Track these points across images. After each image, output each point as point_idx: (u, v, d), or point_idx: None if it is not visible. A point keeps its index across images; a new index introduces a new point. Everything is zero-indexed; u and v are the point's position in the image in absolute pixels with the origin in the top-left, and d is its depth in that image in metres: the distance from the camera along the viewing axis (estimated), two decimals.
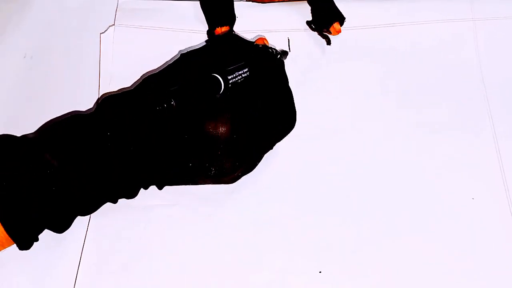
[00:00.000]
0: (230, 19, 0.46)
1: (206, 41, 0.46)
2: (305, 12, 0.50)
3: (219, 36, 0.45)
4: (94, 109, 0.42)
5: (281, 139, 0.42)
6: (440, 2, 0.50)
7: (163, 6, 0.50)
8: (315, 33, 0.49)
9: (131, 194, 0.37)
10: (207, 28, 0.47)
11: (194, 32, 0.49)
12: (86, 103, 0.46)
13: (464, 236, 0.41)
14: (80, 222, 0.39)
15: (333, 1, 0.48)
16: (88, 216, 0.40)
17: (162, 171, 0.37)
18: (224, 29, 0.45)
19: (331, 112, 0.46)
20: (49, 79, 0.47)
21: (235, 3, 0.48)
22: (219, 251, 0.40)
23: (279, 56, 0.42)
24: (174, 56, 0.47)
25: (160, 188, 0.39)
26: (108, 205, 0.37)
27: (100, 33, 0.49)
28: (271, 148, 0.42)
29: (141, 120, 0.35)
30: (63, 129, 0.35)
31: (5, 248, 0.34)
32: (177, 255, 0.40)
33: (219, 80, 0.37)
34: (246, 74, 0.39)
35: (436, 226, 0.41)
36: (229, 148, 0.38)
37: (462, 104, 0.47)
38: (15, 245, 0.35)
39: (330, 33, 0.48)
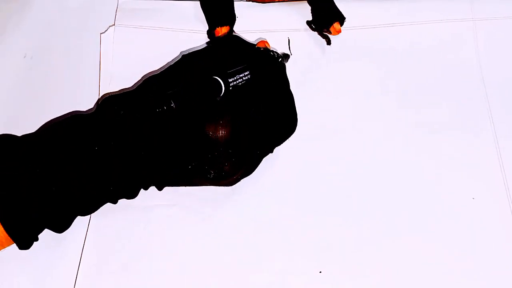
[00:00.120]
0: (230, 19, 0.46)
1: (207, 42, 0.46)
2: (305, 12, 0.50)
3: (220, 37, 0.45)
4: (94, 109, 0.42)
5: (282, 143, 0.42)
6: (440, 2, 0.50)
7: (163, 6, 0.50)
8: (315, 33, 0.49)
9: (131, 194, 0.37)
10: (207, 28, 0.47)
11: (194, 32, 0.49)
12: (86, 103, 0.46)
13: (464, 236, 0.41)
14: (80, 222, 0.39)
15: (333, 1, 0.48)
16: (88, 216, 0.40)
17: (162, 172, 0.37)
18: (224, 29, 0.45)
19: (331, 112, 0.46)
20: (49, 79, 0.47)
21: (235, 3, 0.48)
22: (219, 251, 0.40)
23: (280, 59, 0.41)
24: (176, 57, 0.47)
25: (159, 189, 0.39)
26: (108, 205, 0.37)
27: (100, 33, 0.49)
28: (271, 152, 0.42)
29: (141, 121, 0.35)
30: (64, 129, 0.35)
31: (4, 247, 0.34)
32: (177, 255, 0.40)
33: (220, 83, 0.37)
34: (247, 77, 0.39)
35: (436, 226, 0.41)
36: (229, 151, 0.38)
37: (462, 104, 0.47)
38: (15, 245, 0.35)
39: (330, 33, 0.48)
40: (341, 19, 0.48)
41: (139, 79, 0.46)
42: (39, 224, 0.34)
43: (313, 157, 0.44)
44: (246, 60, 0.40)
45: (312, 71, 0.48)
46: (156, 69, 0.46)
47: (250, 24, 0.49)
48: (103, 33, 0.49)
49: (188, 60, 0.40)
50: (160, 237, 0.40)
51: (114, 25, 0.49)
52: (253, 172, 0.41)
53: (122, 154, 0.35)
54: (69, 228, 0.37)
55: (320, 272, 0.39)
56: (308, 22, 0.49)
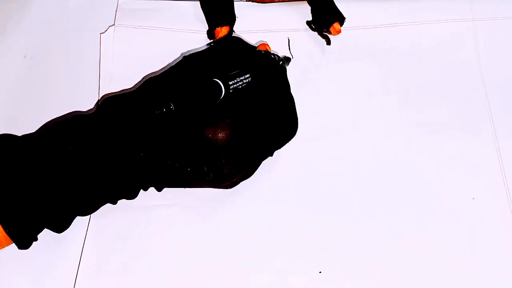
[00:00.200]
0: (230, 19, 0.46)
1: (209, 43, 0.46)
2: (305, 12, 0.50)
3: (222, 39, 0.45)
4: (94, 109, 0.42)
5: (282, 147, 0.42)
6: (440, 2, 0.50)
7: (163, 6, 0.50)
8: (315, 33, 0.49)
9: (131, 195, 0.37)
10: (207, 28, 0.47)
11: (194, 32, 0.49)
12: (86, 103, 0.46)
13: (464, 236, 0.41)
14: (80, 222, 0.39)
15: (333, 1, 0.48)
16: (88, 216, 0.40)
17: (161, 173, 0.37)
18: (224, 29, 0.45)
19: (331, 112, 0.46)
20: (49, 79, 0.47)
21: (235, 3, 0.48)
22: (219, 251, 0.40)
23: (281, 62, 0.41)
24: (177, 58, 0.47)
25: (159, 190, 0.39)
26: (108, 205, 0.37)
27: (100, 33, 0.49)
28: (271, 155, 0.41)
29: (141, 123, 0.35)
30: (64, 129, 0.35)
31: (4, 247, 0.34)
32: (177, 255, 0.40)
33: (220, 85, 0.37)
34: (248, 80, 0.39)
35: (436, 226, 0.41)
36: (228, 154, 0.37)
37: (462, 104, 0.47)
38: (14, 244, 0.35)
39: (330, 33, 0.48)
40: (341, 19, 0.48)
41: (138, 79, 0.46)
42: (38, 224, 0.34)
43: (313, 157, 0.44)
44: (247, 63, 0.40)
45: (312, 71, 0.48)
46: (156, 69, 0.46)
47: (250, 24, 0.49)
48: (103, 33, 0.49)
49: (188, 62, 0.40)
50: (160, 237, 0.40)
51: (114, 25, 0.49)
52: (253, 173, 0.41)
53: (122, 155, 0.35)
54: (69, 228, 0.37)
55: (320, 272, 0.39)
56: (308, 22, 0.49)
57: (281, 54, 0.45)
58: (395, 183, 0.43)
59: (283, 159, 0.43)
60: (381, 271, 0.39)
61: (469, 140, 0.45)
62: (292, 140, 0.43)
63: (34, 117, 0.43)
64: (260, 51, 0.42)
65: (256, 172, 0.41)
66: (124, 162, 0.35)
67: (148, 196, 0.40)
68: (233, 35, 0.47)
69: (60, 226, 0.36)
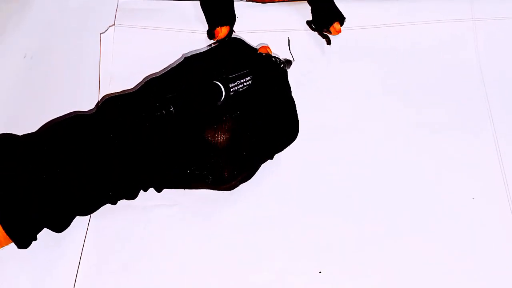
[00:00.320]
0: (230, 19, 0.46)
1: (210, 45, 0.46)
2: (305, 12, 0.50)
3: (224, 40, 0.45)
4: (95, 109, 0.42)
5: (282, 150, 0.42)
6: (440, 2, 0.50)
7: (163, 6, 0.50)
8: (315, 33, 0.49)
9: (131, 195, 0.37)
10: (207, 28, 0.47)
11: (194, 32, 0.49)
12: (86, 103, 0.46)
13: (464, 236, 0.41)
14: (80, 222, 0.39)
15: (333, 1, 0.48)
16: (88, 216, 0.40)
17: (161, 174, 0.37)
18: (224, 29, 0.45)
19: (331, 112, 0.46)
20: (49, 79, 0.47)
21: (235, 3, 0.48)
22: (219, 251, 0.40)
23: (282, 65, 0.41)
24: (178, 59, 0.47)
25: (158, 191, 0.39)
26: (108, 205, 0.37)
27: (100, 33, 0.49)
28: (271, 158, 0.41)
29: (140, 124, 0.35)
30: (64, 129, 0.35)
31: (3, 246, 0.34)
32: (177, 255, 0.40)
33: (220, 88, 0.37)
34: (248, 83, 0.39)
35: (436, 226, 0.41)
36: (228, 157, 0.37)
37: (462, 104, 0.47)
38: (14, 244, 0.35)
39: (330, 33, 0.48)
40: (341, 19, 0.48)
41: (139, 79, 0.46)
42: (38, 224, 0.34)
43: (313, 157, 0.44)
44: (248, 65, 0.40)
45: (312, 71, 0.48)
46: (156, 69, 0.46)
47: (250, 24, 0.49)
48: (103, 33, 0.49)
49: (189, 63, 0.40)
50: (160, 237, 0.40)
51: (114, 25, 0.49)
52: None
53: (122, 155, 0.35)
54: (69, 228, 0.37)
55: (320, 272, 0.39)
56: (308, 22, 0.49)
57: (282, 57, 0.45)
58: (395, 183, 0.43)
59: (283, 159, 0.43)
60: (381, 271, 0.39)
61: (469, 140, 0.45)
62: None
63: (34, 117, 0.43)
64: (261, 53, 0.41)
65: (256, 172, 0.41)
66: (124, 163, 0.35)
67: (148, 197, 0.40)
68: (233, 35, 0.47)
69: (59, 225, 0.36)
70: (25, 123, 0.42)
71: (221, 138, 0.37)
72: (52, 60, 0.48)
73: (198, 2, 0.48)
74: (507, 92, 0.47)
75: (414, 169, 0.44)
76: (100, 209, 0.37)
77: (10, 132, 0.37)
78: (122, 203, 0.38)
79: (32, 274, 0.39)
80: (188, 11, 0.50)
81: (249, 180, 0.41)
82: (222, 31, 0.46)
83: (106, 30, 0.49)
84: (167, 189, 0.40)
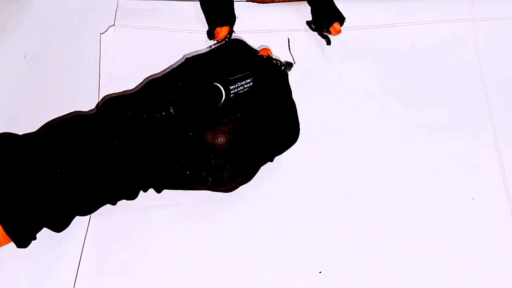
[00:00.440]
0: (230, 19, 0.46)
1: (211, 45, 0.46)
2: (305, 12, 0.50)
3: (225, 41, 0.45)
4: (95, 110, 0.42)
5: (282, 152, 0.42)
6: (440, 2, 0.50)
7: (163, 6, 0.50)
8: (315, 33, 0.49)
9: (131, 195, 0.37)
10: (207, 28, 0.47)
11: (194, 32, 0.49)
12: (86, 103, 0.46)
13: (464, 236, 0.41)
14: (80, 222, 0.39)
15: (333, 1, 0.48)
16: (88, 216, 0.40)
17: (160, 175, 0.37)
18: (224, 29, 0.45)
19: (331, 112, 0.46)
20: (49, 79, 0.47)
21: (235, 3, 0.48)
22: (219, 251, 0.40)
23: (283, 67, 0.41)
24: (179, 60, 0.47)
25: (158, 191, 0.39)
26: (108, 205, 0.37)
27: (100, 33, 0.49)
28: (271, 161, 0.41)
29: (140, 125, 0.35)
30: (64, 129, 0.35)
31: (2, 245, 0.34)
32: (177, 255, 0.40)
33: (220, 90, 0.36)
34: (249, 85, 0.39)
35: (436, 226, 0.41)
36: (228, 159, 0.37)
37: (462, 104, 0.47)
38: (13, 243, 0.35)
39: (330, 33, 0.48)
40: (341, 19, 0.48)
41: (139, 79, 0.46)
42: (38, 223, 0.34)
43: (313, 157, 0.44)
44: (249, 67, 0.39)
45: (312, 71, 0.48)
46: (156, 69, 0.46)
47: (250, 24, 0.49)
48: (103, 33, 0.49)
49: (190, 64, 0.40)
50: (160, 237, 0.40)
51: (114, 25, 0.49)
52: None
53: (122, 155, 0.35)
54: (69, 228, 0.37)
55: (320, 272, 0.39)
56: (308, 22, 0.49)
57: (282, 58, 0.45)
58: (395, 183, 0.43)
59: (283, 159, 0.43)
60: (381, 271, 0.39)
61: (469, 140, 0.45)
62: None
63: (34, 117, 0.43)
64: (262, 56, 0.41)
65: (255, 174, 0.41)
66: (124, 163, 0.35)
67: (148, 197, 0.40)
68: (233, 35, 0.47)
69: (59, 225, 0.36)
70: (25, 123, 0.42)
71: (221, 140, 0.37)
72: (52, 60, 0.48)
73: (198, 2, 0.48)
74: (507, 92, 0.47)
75: (414, 169, 0.44)
76: (100, 209, 0.37)
77: (10, 132, 0.37)
78: (122, 203, 0.38)
79: (32, 274, 0.39)
80: (188, 11, 0.50)
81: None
82: (222, 31, 0.46)
83: (106, 30, 0.49)
84: (167, 190, 0.40)
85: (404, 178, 0.43)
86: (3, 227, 0.33)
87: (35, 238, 0.35)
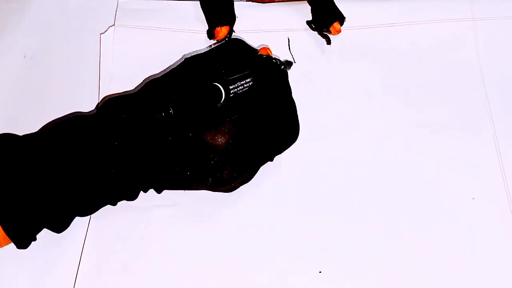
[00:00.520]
0: (230, 19, 0.46)
1: (211, 45, 0.46)
2: (305, 12, 0.50)
3: (224, 41, 0.45)
4: (95, 110, 0.42)
5: (282, 152, 0.42)
6: (440, 2, 0.50)
7: (163, 6, 0.50)
8: (315, 33, 0.49)
9: (131, 196, 0.37)
10: (207, 28, 0.47)
11: (194, 32, 0.49)
12: (86, 103, 0.46)
13: (464, 236, 0.41)
14: (80, 222, 0.39)
15: (333, 1, 0.48)
16: (88, 216, 0.40)
17: (161, 175, 0.37)
18: (224, 29, 0.45)
19: (331, 112, 0.46)
20: (49, 79, 0.47)
21: (235, 3, 0.48)
22: (219, 251, 0.40)
23: (283, 67, 0.41)
24: (178, 60, 0.47)
25: (159, 192, 0.39)
26: (108, 206, 0.37)
27: (100, 34, 0.49)
28: (271, 160, 0.41)
29: (140, 125, 0.35)
30: (64, 129, 0.35)
31: (2, 246, 0.34)
32: (177, 255, 0.40)
33: (220, 90, 0.36)
34: (249, 84, 0.39)
35: (436, 226, 0.41)
36: (228, 159, 0.37)
37: (462, 104, 0.47)
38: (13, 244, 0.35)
39: (330, 33, 0.48)
40: (341, 19, 0.48)
41: (139, 79, 0.46)
42: (38, 224, 0.34)
43: (313, 157, 0.44)
44: (248, 67, 0.39)
45: (312, 71, 0.48)
46: (156, 69, 0.46)
47: (250, 24, 0.49)
48: (103, 33, 0.49)
49: (190, 64, 0.40)
50: (160, 237, 0.40)
51: (114, 25, 0.49)
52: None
53: (122, 156, 0.35)
54: (69, 228, 0.37)
55: (320, 272, 0.39)
56: (308, 22, 0.49)
57: (282, 57, 0.45)
58: (395, 183, 0.43)
59: (283, 160, 0.43)
60: (381, 271, 0.39)
61: (469, 140, 0.45)
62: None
63: (34, 117, 0.43)
64: (261, 55, 0.41)
65: (256, 174, 0.41)
66: (124, 163, 0.35)
67: (148, 197, 0.40)
68: (233, 35, 0.47)
69: (59, 226, 0.36)
70: (25, 123, 0.42)
71: (220, 140, 0.37)
72: (52, 60, 0.48)
73: (198, 2, 0.48)
74: (507, 92, 0.47)
75: (414, 169, 0.44)
76: (100, 209, 0.37)
77: (11, 132, 0.37)
78: (122, 203, 0.38)
79: (32, 274, 0.39)
80: (188, 11, 0.50)
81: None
82: (222, 31, 0.46)
83: (106, 30, 0.49)
84: (167, 190, 0.40)
85: (404, 178, 0.43)
86: (3, 227, 0.33)
87: (35, 239, 0.35)
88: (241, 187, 0.40)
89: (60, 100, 0.46)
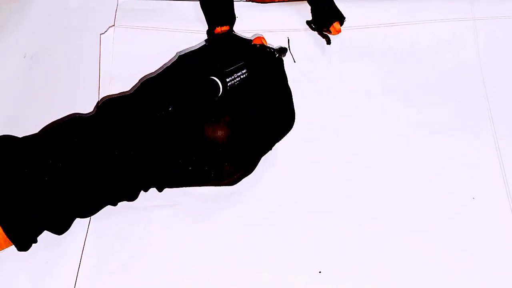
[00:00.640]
0: (230, 19, 0.46)
1: (205, 40, 0.46)
2: (305, 12, 0.49)
3: (217, 36, 0.45)
4: (94, 111, 0.42)
5: (280, 139, 0.42)
6: (440, 2, 0.50)
7: (163, 6, 0.50)
8: (315, 33, 0.49)
9: (131, 196, 0.37)
10: (207, 28, 0.47)
11: (194, 32, 0.49)
12: (86, 103, 0.46)
13: (464, 236, 0.41)
14: (80, 222, 0.39)
15: (333, 1, 0.48)
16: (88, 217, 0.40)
17: (161, 173, 0.37)
18: (224, 29, 0.45)
19: (331, 112, 0.46)
20: (49, 79, 0.47)
21: (235, 3, 0.48)
22: (219, 251, 0.40)
23: (277, 54, 0.41)
24: (172, 58, 0.47)
25: (160, 190, 0.39)
26: (108, 206, 0.37)
27: (100, 34, 0.48)
28: (270, 149, 0.41)
29: (140, 126, 0.35)
30: (64, 130, 0.36)
31: (3, 249, 0.34)
32: (177, 255, 0.40)
33: (217, 83, 0.37)
34: (244, 75, 0.39)
35: (436, 226, 0.41)
36: (228, 151, 0.38)
37: (462, 104, 0.47)
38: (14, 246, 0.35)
39: (330, 32, 0.48)
40: (341, 19, 0.47)
41: (138, 79, 0.46)
42: (38, 225, 0.34)
43: (313, 157, 0.44)
44: (242, 58, 0.40)
45: (312, 71, 0.48)
46: (156, 69, 0.46)
47: (250, 24, 0.49)
48: (103, 33, 0.49)
49: (184, 61, 0.40)
50: (160, 237, 0.40)
51: (114, 25, 0.49)
52: (253, 172, 0.41)
53: (122, 156, 0.35)
54: (70, 229, 0.37)
55: (320, 272, 0.39)
56: (308, 22, 0.49)
57: (276, 45, 0.44)
58: (395, 183, 0.43)
59: (283, 160, 0.43)
60: (381, 271, 0.39)
61: (469, 140, 0.45)
62: (292, 140, 0.43)
63: (34, 117, 0.43)
64: (255, 45, 0.42)
65: (256, 172, 0.41)
66: (124, 163, 0.35)
67: (148, 197, 0.40)
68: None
69: (60, 227, 0.36)
70: (25, 123, 0.42)
71: (220, 132, 0.37)
72: (52, 60, 0.48)
73: (198, 2, 0.48)
74: (507, 92, 0.47)
75: (414, 169, 0.44)
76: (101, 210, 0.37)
77: (10, 133, 0.37)
78: (123, 203, 0.38)
79: (32, 274, 0.38)
80: (188, 11, 0.50)
81: (249, 180, 0.41)
82: (222, 31, 0.45)
83: (106, 31, 0.49)
84: (168, 189, 0.40)
85: (404, 178, 0.43)
86: (3, 228, 0.33)
87: (35, 241, 0.35)
88: (241, 187, 0.40)
89: (60, 100, 0.46)
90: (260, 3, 0.50)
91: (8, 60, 0.48)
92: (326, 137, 0.45)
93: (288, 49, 0.48)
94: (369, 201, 0.42)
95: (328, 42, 0.49)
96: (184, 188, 0.41)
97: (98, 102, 0.46)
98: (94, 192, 0.35)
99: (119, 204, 0.38)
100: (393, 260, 0.40)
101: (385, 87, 0.48)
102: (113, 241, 0.40)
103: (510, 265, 0.40)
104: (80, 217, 0.36)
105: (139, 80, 0.45)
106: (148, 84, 0.38)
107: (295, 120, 0.43)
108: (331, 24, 0.47)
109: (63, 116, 0.44)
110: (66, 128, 0.36)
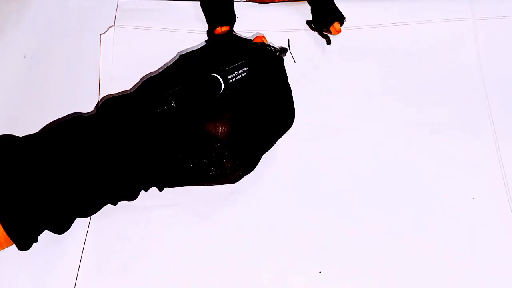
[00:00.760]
0: (230, 19, 0.46)
1: (205, 41, 0.46)
2: (305, 12, 0.50)
3: (217, 36, 0.45)
4: (95, 111, 0.42)
5: (280, 137, 0.42)
6: (440, 2, 0.50)
7: (163, 6, 0.50)
8: (315, 33, 0.49)
9: (132, 195, 0.37)
10: (207, 28, 0.47)
11: (194, 32, 0.49)
12: (86, 103, 0.46)
13: (464, 236, 0.41)
14: (80, 222, 0.39)
15: (333, 1, 0.48)
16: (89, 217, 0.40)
17: (162, 172, 0.37)
18: (224, 29, 0.45)
19: (331, 112, 0.46)
20: (49, 79, 0.47)
21: (235, 3, 0.48)
22: (219, 251, 0.40)
23: (277, 53, 0.41)
24: (173, 58, 0.47)
25: (160, 189, 0.39)
26: (108, 205, 0.37)
27: (100, 34, 0.49)
28: (271, 146, 0.42)
29: (141, 123, 0.35)
30: (64, 129, 0.36)
31: (4, 248, 0.34)
32: (177, 255, 0.40)
33: (219, 80, 0.37)
34: (245, 73, 0.39)
35: (436, 226, 0.41)
36: (230, 148, 0.38)
37: (462, 104, 0.47)
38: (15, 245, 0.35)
39: (330, 32, 0.48)
40: (341, 19, 0.48)
41: (138, 79, 0.46)
42: (39, 225, 0.34)
43: (313, 157, 0.44)
44: (243, 56, 0.40)
45: (312, 71, 0.48)
46: (156, 69, 0.46)
47: (250, 24, 0.49)
48: (103, 33, 0.49)
49: (185, 60, 0.40)
50: (160, 237, 0.40)
51: (114, 25, 0.49)
52: (253, 172, 0.41)
53: (122, 155, 0.35)
54: (70, 228, 0.37)
55: (320, 272, 0.39)
56: (308, 22, 0.49)
57: (277, 45, 0.45)
58: (395, 183, 0.43)
59: (283, 160, 0.43)
60: (381, 271, 0.39)
61: (469, 140, 0.45)
62: (292, 140, 0.43)
63: (34, 117, 0.43)
64: (256, 43, 0.42)
65: (256, 172, 0.41)
66: (125, 162, 0.35)
67: (148, 197, 0.40)
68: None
69: (60, 227, 0.36)
70: (25, 123, 0.42)
71: (221, 129, 0.37)
72: (52, 60, 0.48)
73: (198, 2, 0.48)
74: (507, 92, 0.47)
75: (414, 169, 0.44)
76: (101, 209, 0.37)
77: (11, 133, 0.37)
78: (123, 203, 0.38)
79: (32, 274, 0.38)
80: (188, 11, 0.50)
81: (249, 180, 0.41)
82: (222, 31, 0.46)
83: (106, 31, 0.49)
84: (167, 189, 0.40)
85: (404, 178, 0.43)
86: (4, 227, 0.33)
87: (36, 241, 0.35)
88: (241, 187, 0.40)
89: (60, 100, 0.46)
90: (260, 3, 0.50)
91: (8, 60, 0.48)
92: (326, 137, 0.45)
93: (288, 49, 0.49)
94: (369, 201, 0.42)
95: (328, 42, 0.49)
96: (184, 188, 0.41)
97: (98, 102, 0.46)
98: (95, 192, 0.35)
99: (119, 204, 0.38)
100: (393, 260, 0.40)
101: (385, 87, 0.48)
102: (113, 241, 0.40)
103: (510, 265, 0.40)
104: (81, 217, 0.36)
105: (141, 79, 0.45)
106: (149, 83, 0.38)
107: (295, 119, 0.43)
108: (331, 24, 0.47)
109: (63, 116, 0.44)
110: (66, 128, 0.36)
